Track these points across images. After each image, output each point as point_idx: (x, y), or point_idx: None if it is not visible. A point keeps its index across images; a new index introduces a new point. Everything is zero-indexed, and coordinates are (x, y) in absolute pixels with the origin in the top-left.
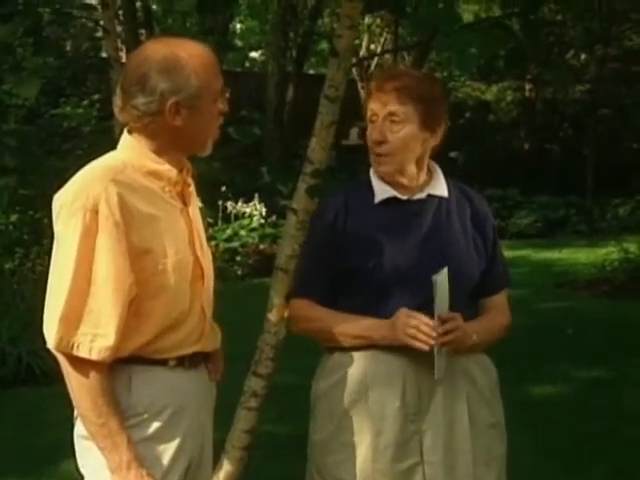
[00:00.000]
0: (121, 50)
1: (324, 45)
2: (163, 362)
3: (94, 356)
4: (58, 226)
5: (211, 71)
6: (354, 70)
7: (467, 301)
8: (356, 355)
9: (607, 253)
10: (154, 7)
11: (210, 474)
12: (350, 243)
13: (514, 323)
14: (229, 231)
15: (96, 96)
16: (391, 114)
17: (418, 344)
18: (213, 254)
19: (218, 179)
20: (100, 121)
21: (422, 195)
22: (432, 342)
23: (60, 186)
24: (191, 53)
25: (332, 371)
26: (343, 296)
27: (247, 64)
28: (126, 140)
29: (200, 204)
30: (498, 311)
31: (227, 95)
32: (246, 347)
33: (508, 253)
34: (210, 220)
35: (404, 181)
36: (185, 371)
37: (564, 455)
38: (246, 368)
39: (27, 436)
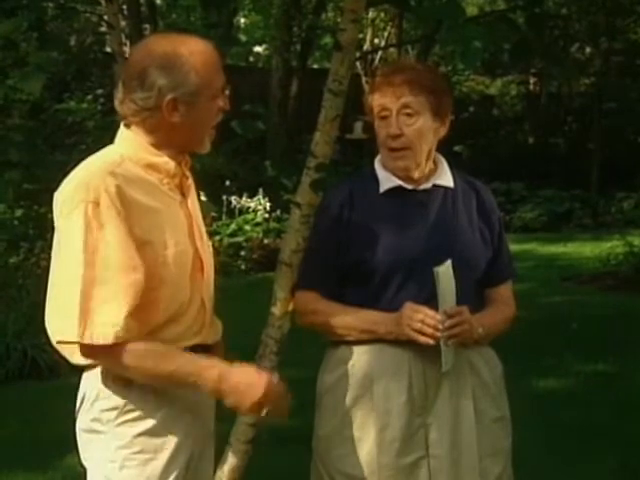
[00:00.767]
0: (125, 45)
1: (328, 39)
2: None
3: (117, 340)
4: (60, 221)
5: (212, 68)
6: (358, 64)
7: (473, 291)
8: (361, 349)
9: (612, 247)
10: (158, 2)
11: (212, 467)
12: (356, 234)
13: (519, 317)
14: (233, 226)
15: (100, 91)
16: (405, 106)
17: (423, 339)
18: (217, 249)
19: (222, 174)
20: (104, 116)
21: (428, 185)
22: (438, 336)
23: (64, 180)
24: (192, 50)
25: (337, 365)
26: (349, 288)
27: (251, 59)
28: (123, 134)
29: (204, 198)
30: (503, 303)
31: (228, 92)
32: (250, 341)
33: (513, 247)
34: (214, 215)
35: (416, 174)
36: None
37: (568, 449)
38: (250, 362)
39: (32, 430)
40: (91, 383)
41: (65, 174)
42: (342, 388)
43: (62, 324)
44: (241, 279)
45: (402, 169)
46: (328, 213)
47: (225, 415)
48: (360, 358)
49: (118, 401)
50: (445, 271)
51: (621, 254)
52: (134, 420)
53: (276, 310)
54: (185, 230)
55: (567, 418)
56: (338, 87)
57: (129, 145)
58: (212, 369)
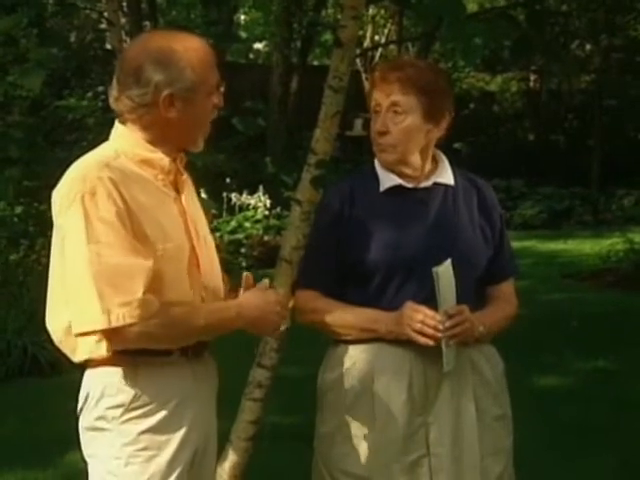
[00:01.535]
0: (125, 42)
1: (328, 36)
2: (167, 353)
3: (142, 315)
4: (60, 218)
5: (207, 65)
6: (358, 61)
7: (474, 289)
8: (362, 347)
9: (612, 244)
10: None
11: (215, 463)
12: (356, 232)
13: (519, 314)
14: (233, 223)
15: (100, 88)
16: (394, 104)
17: (423, 340)
18: (218, 246)
19: (222, 171)
20: (104, 113)
21: (428, 183)
22: (439, 336)
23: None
24: (187, 46)
25: (338, 363)
26: (349, 287)
27: (251, 55)
28: (118, 130)
29: (205, 196)
30: (505, 300)
31: (222, 89)
32: (250, 338)
33: (513, 244)
34: (214, 212)
35: (408, 171)
36: (189, 361)
37: (569, 446)
38: (250, 359)
39: (32, 427)
40: (95, 381)
41: (65, 171)
42: (343, 387)
43: (82, 317)
44: (241, 276)
45: (389, 163)
46: (328, 211)
47: (226, 413)
48: (361, 357)
49: (124, 399)
50: (444, 271)
51: (621, 251)
52: (139, 417)
53: None
54: (181, 226)
55: (567, 415)
56: (338, 84)
57: (124, 141)
58: (231, 311)
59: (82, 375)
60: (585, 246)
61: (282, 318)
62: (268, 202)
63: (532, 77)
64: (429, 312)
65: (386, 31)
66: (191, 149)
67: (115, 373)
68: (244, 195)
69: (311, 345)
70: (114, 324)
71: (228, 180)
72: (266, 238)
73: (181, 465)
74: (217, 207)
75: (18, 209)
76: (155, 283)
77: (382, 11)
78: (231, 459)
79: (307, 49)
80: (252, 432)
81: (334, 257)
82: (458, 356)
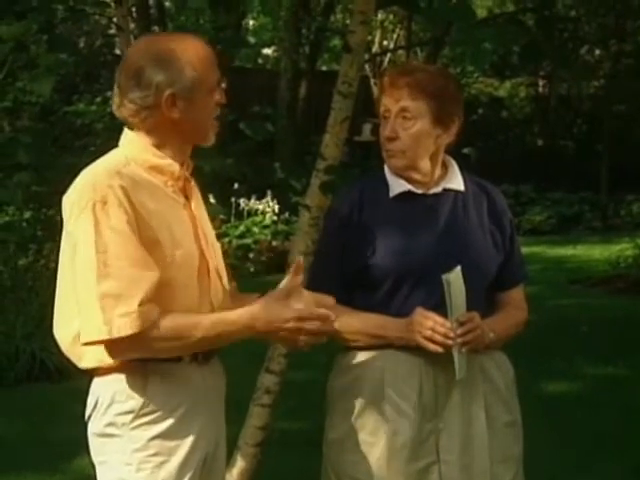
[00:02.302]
0: None
1: (337, 41)
2: (177, 359)
3: (143, 326)
4: (70, 224)
5: (206, 62)
6: (367, 66)
7: (484, 295)
8: (372, 354)
9: (621, 250)
10: (167, 4)
11: (224, 469)
12: (365, 238)
13: (528, 320)
14: (242, 228)
15: (109, 93)
16: (403, 110)
17: (433, 346)
18: (225, 251)
19: (231, 176)
20: (113, 118)
21: (438, 189)
22: (449, 343)
23: (72, 183)
24: (185, 45)
25: (348, 370)
26: (358, 293)
27: (260, 61)
28: (127, 136)
29: (213, 201)
30: (515, 306)
31: (224, 85)
32: (258, 344)
33: (522, 249)
34: (222, 217)
35: (417, 176)
36: (199, 366)
37: (579, 453)
38: (258, 365)
39: (41, 432)
40: (104, 388)
41: (74, 176)
42: (353, 393)
43: (87, 326)
44: (249, 281)
45: (398, 168)
46: (337, 216)
47: (234, 418)
48: (371, 363)
49: (133, 405)
50: (455, 278)
51: (630, 257)
52: (149, 423)
53: None
54: (190, 233)
55: (576, 421)
56: (348, 89)
57: (133, 147)
58: (242, 319)
59: (90, 381)
60: (594, 252)
61: (307, 334)
62: (276, 207)
63: (541, 82)
64: (439, 319)
65: (395, 36)
66: (202, 144)
67: (124, 379)
68: (252, 200)
69: (319, 350)
70: (115, 335)
71: (236, 185)
72: (274, 243)
73: (191, 470)
74: (225, 212)
75: (27, 214)
76: (164, 291)
77: (391, 16)
78: (239, 465)
79: (316, 54)
80: (260, 438)
81: (343, 263)
82: (469, 363)
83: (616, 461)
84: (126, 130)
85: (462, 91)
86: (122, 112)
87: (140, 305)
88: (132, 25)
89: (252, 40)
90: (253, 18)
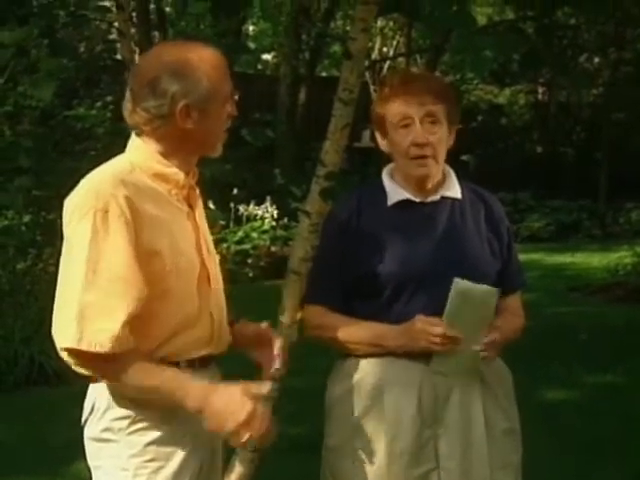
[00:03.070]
0: (134, 52)
1: (337, 47)
2: (174, 363)
3: (113, 349)
4: (69, 229)
5: (221, 74)
6: (366, 73)
7: None
8: (371, 360)
9: (620, 257)
10: (168, 9)
11: (221, 475)
12: (364, 247)
13: (526, 327)
14: (240, 233)
15: (109, 98)
16: (429, 115)
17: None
18: (224, 256)
19: (230, 181)
20: (113, 123)
21: (436, 197)
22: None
23: (73, 187)
24: (202, 56)
25: (347, 376)
26: (358, 300)
27: (259, 66)
28: (134, 143)
29: (212, 206)
30: (512, 313)
31: (236, 98)
32: None
33: (520, 257)
34: (222, 222)
35: (429, 185)
36: (195, 372)
37: (578, 460)
38: (257, 371)
39: (40, 436)
40: (101, 393)
41: (74, 180)
42: (352, 399)
43: (62, 330)
44: (248, 287)
45: (424, 177)
46: (335, 224)
47: None
48: (370, 370)
49: (130, 410)
50: (468, 290)
51: (629, 265)
52: (145, 429)
53: (284, 318)
54: (192, 241)
55: (576, 429)
56: (348, 96)
57: (140, 154)
58: (197, 388)
59: (89, 385)
60: (593, 259)
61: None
62: (275, 213)
63: (540, 90)
64: (442, 328)
65: (395, 43)
66: (210, 155)
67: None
68: (251, 206)
69: (318, 356)
70: (83, 348)
71: (235, 191)
72: (273, 249)
73: (187, 476)
74: (224, 217)
75: (26, 218)
76: (164, 300)
77: (391, 23)
78: (237, 470)
79: (315, 60)
80: None
81: (341, 271)
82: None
83: (615, 468)
84: (133, 136)
85: (460, 98)
86: (134, 119)
87: (120, 328)
88: (132, 30)
89: (252, 46)
90: (253, 24)
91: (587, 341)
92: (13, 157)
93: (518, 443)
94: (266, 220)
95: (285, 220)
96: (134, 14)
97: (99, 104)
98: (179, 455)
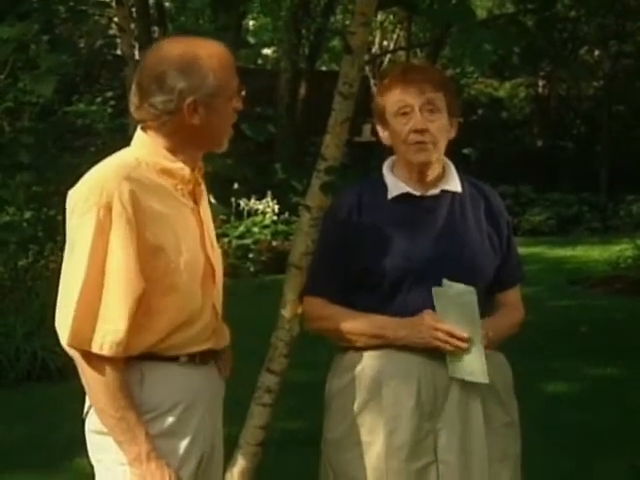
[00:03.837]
0: (134, 47)
1: (336, 42)
2: (174, 359)
3: (106, 352)
4: (72, 223)
5: (228, 70)
6: (366, 67)
7: (483, 297)
8: (370, 353)
9: (621, 250)
10: (167, 4)
11: (221, 470)
12: (364, 240)
13: (527, 320)
14: (242, 228)
15: (109, 93)
16: (429, 102)
17: (450, 347)
18: (225, 251)
19: (231, 176)
20: (113, 118)
21: (436, 191)
22: (464, 346)
23: (74, 183)
24: (209, 52)
25: (346, 369)
26: (357, 294)
27: (259, 61)
28: (140, 137)
29: (213, 201)
30: (512, 307)
31: (243, 93)
32: (258, 344)
33: (521, 250)
34: (223, 217)
35: (429, 175)
36: (196, 367)
37: (577, 452)
38: (259, 365)
39: (42, 431)
40: None
41: (75, 176)
42: (351, 392)
43: (61, 327)
44: (249, 281)
45: (424, 164)
46: (335, 218)
47: (235, 418)
48: (369, 363)
49: None
50: (446, 293)
51: (630, 257)
52: (145, 423)
53: (286, 312)
54: (197, 237)
55: (576, 421)
56: (348, 90)
57: (145, 149)
58: (136, 446)
59: None
60: (594, 252)
61: None
62: (276, 207)
63: (541, 83)
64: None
65: (395, 37)
66: (216, 150)
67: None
68: (252, 200)
69: (321, 349)
70: (72, 344)
71: (236, 185)
72: (274, 243)
73: (187, 471)
74: (225, 212)
75: (27, 214)
76: (168, 296)
77: (391, 17)
78: (240, 464)
79: (315, 55)
80: (261, 437)
81: (341, 264)
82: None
83: (616, 462)
84: (139, 131)
85: (460, 92)
86: (141, 114)
87: (113, 331)
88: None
89: (252, 40)
90: (253, 18)
91: (588, 334)
92: (13, 153)
93: (517, 437)
94: (267, 215)
95: (286, 215)
96: (134, 9)
97: (99, 100)
98: (179, 449)
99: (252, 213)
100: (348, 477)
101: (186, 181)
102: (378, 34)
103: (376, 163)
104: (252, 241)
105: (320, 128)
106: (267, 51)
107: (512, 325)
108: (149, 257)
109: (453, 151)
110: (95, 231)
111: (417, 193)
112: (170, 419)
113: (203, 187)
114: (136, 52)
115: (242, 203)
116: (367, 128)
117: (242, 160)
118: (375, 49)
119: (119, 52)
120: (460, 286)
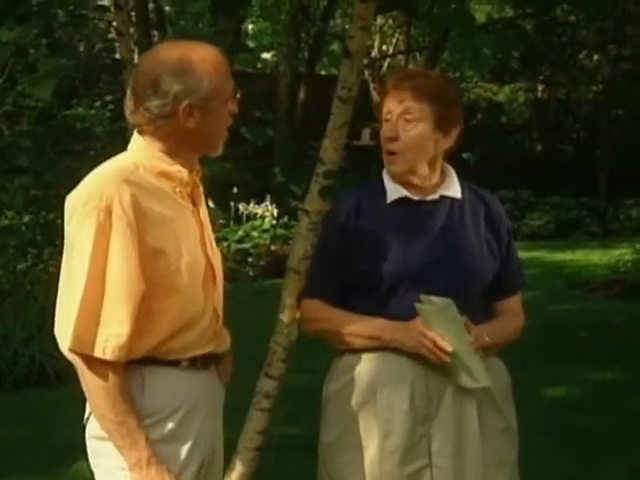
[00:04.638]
0: (133, 51)
1: (336, 46)
2: (176, 363)
3: (109, 356)
4: (71, 227)
5: (223, 73)
6: (366, 71)
7: (480, 301)
8: (366, 357)
9: (620, 254)
10: (167, 8)
11: (221, 475)
12: (362, 244)
13: (527, 325)
14: (241, 232)
15: (108, 97)
16: (406, 112)
17: (434, 357)
18: (224, 255)
19: (230, 180)
20: (112, 122)
21: (435, 196)
22: (447, 360)
23: (73, 186)
24: (203, 56)
25: (342, 373)
26: (355, 296)
27: (259, 65)
28: (137, 141)
29: (212, 205)
30: (512, 313)
31: (238, 96)
32: (257, 348)
33: (521, 254)
34: (222, 221)
35: (415, 181)
36: (197, 372)
37: (578, 457)
38: (257, 369)
39: (40, 436)
40: None
41: (74, 180)
42: (346, 396)
43: (61, 332)
44: (248, 285)
45: (396, 174)
46: (334, 221)
47: (233, 423)
48: (364, 366)
49: None
50: (430, 309)
51: (630, 262)
52: (146, 427)
53: (284, 317)
54: (197, 239)
55: (576, 425)
56: (347, 94)
57: (142, 153)
58: (136, 452)
59: None
60: (593, 256)
61: None
62: (275, 211)
63: (540, 87)
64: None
65: (394, 41)
66: (211, 154)
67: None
68: (251, 204)
69: (317, 354)
70: (73, 349)
71: (235, 189)
72: (273, 247)
73: (188, 476)
74: (224, 216)
75: (26, 218)
76: (169, 298)
77: (390, 21)
78: (238, 469)
79: (315, 59)
80: (259, 442)
81: (339, 267)
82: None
83: (616, 466)
84: (135, 135)
85: (462, 97)
86: (136, 118)
87: (115, 335)
88: (131, 30)
89: (251, 44)
90: (252, 22)
91: (587, 338)
92: (12, 157)
93: (514, 442)
94: (266, 219)
95: (285, 219)
96: (133, 13)
97: (98, 103)
98: (180, 454)
99: (251, 217)
100: None
101: (184, 183)
102: (377, 38)
103: (375, 167)
104: (251, 245)
105: (319, 132)
106: (266, 55)
107: (512, 332)
108: (150, 260)
109: (452, 156)
110: (95, 235)
111: (416, 198)
112: (171, 424)
113: (201, 189)
114: (135, 56)
115: (241, 207)
116: (366, 132)
117: (241, 164)
118: (374, 53)
119: (118, 56)
120: (438, 300)
